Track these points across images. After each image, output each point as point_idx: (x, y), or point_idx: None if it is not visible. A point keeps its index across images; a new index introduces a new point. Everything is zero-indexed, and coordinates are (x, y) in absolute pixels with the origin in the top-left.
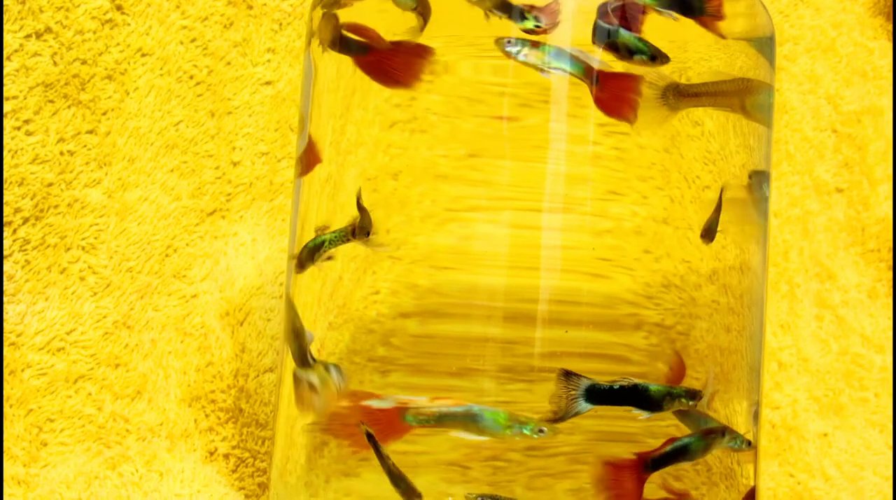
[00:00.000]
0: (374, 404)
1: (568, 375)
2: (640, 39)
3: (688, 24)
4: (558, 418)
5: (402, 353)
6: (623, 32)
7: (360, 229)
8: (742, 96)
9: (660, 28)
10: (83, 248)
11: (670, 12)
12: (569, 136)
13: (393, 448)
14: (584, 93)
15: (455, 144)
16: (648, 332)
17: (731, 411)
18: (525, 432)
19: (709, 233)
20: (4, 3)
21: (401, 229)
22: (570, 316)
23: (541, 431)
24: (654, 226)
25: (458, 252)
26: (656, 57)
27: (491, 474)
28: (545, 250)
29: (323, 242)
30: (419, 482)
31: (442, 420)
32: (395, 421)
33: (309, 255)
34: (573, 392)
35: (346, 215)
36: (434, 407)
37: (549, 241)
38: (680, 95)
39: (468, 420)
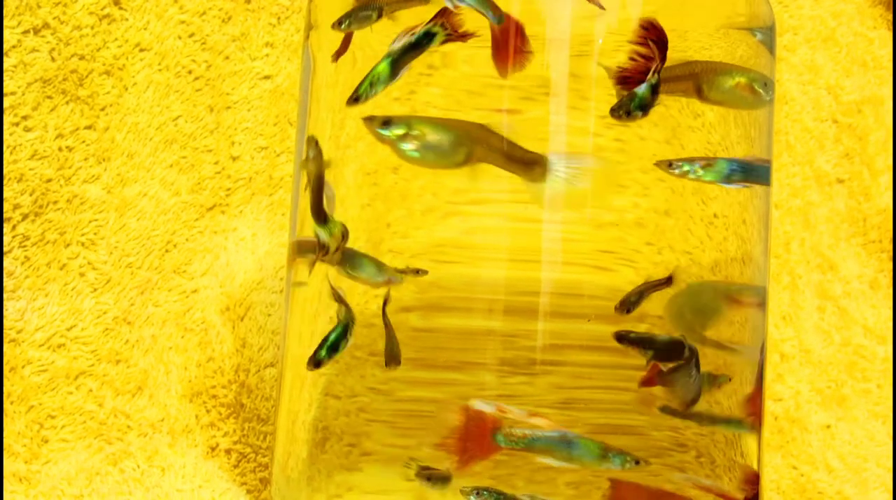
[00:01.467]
0: (475, 405)
1: (682, 365)
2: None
3: (688, 12)
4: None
5: (403, 347)
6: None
7: (391, 359)
8: (697, 80)
9: (661, 17)
10: (83, 244)
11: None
12: (570, 128)
13: (392, 442)
14: (586, 85)
15: None
16: (651, 324)
17: (734, 403)
18: (616, 463)
19: (624, 305)
20: None
21: (401, 223)
22: (573, 309)
23: (636, 463)
24: (656, 218)
25: (460, 245)
26: None
27: (493, 467)
28: (547, 242)
29: (346, 330)
30: None
31: (532, 445)
32: (485, 439)
33: (329, 353)
34: (695, 373)
35: (345, 210)
36: (528, 430)
37: (551, 234)
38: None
39: (560, 447)
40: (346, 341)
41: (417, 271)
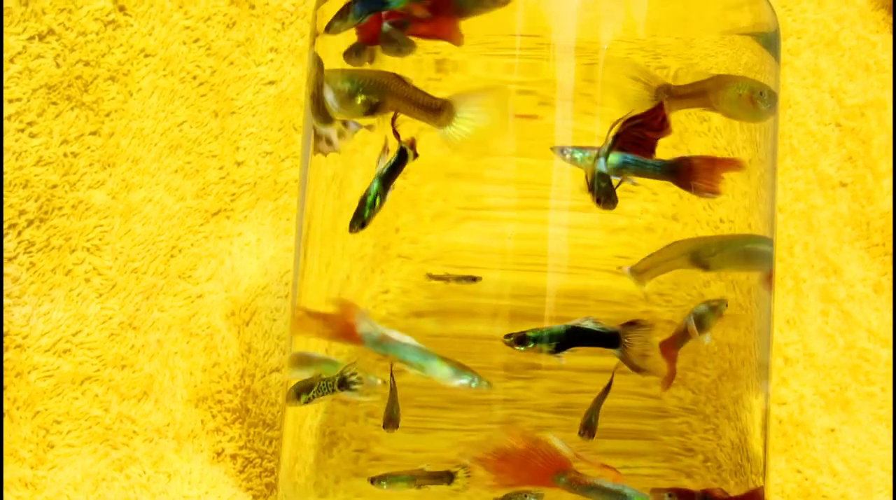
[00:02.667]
0: (555, 440)
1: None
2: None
3: (694, 19)
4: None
5: None
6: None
7: (389, 421)
8: (714, 93)
9: (664, 24)
10: (88, 249)
11: None
12: (580, 133)
13: (395, 446)
14: (596, 90)
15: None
16: (661, 329)
17: (740, 407)
18: None
19: (588, 428)
20: (7, 5)
21: (411, 228)
22: (581, 313)
23: None
24: (665, 222)
25: (474, 251)
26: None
27: None
28: (562, 247)
29: (312, 387)
30: None
31: (589, 492)
32: (546, 476)
33: (296, 394)
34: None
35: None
36: (590, 479)
37: (564, 239)
38: (671, 96)
39: (612, 499)
40: (317, 393)
41: (474, 279)
